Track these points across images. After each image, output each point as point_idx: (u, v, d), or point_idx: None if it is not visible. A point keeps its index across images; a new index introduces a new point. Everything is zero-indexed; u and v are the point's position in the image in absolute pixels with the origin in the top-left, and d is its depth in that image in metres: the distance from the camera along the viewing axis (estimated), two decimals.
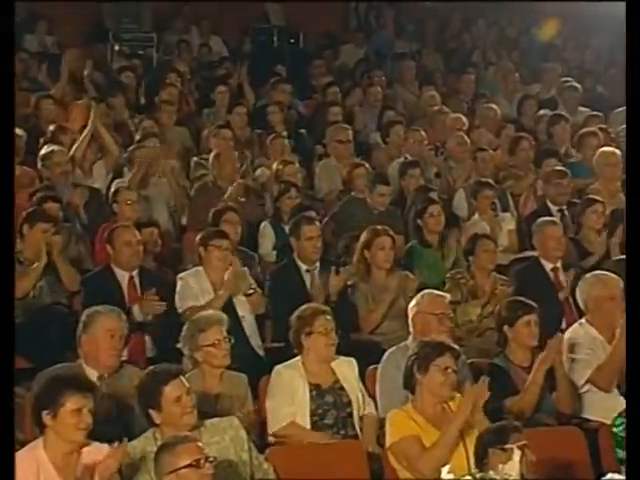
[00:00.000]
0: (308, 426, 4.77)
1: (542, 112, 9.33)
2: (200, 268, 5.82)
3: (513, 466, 3.83)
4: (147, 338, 5.68)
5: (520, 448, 3.88)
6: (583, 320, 5.32)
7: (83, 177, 7.41)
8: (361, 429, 4.84)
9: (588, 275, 5.44)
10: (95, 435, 3.93)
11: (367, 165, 7.76)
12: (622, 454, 4.47)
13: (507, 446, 3.88)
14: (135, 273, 5.84)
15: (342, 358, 4.94)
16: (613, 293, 5.24)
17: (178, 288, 5.73)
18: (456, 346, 4.59)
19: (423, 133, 8.35)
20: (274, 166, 7.53)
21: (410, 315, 5.19)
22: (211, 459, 3.72)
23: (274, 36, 11.35)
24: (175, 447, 3.71)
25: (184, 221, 7.37)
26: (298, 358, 4.90)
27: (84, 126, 7.62)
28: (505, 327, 5.08)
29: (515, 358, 5.04)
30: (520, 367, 5.02)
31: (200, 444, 3.79)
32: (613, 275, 5.39)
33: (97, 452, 3.84)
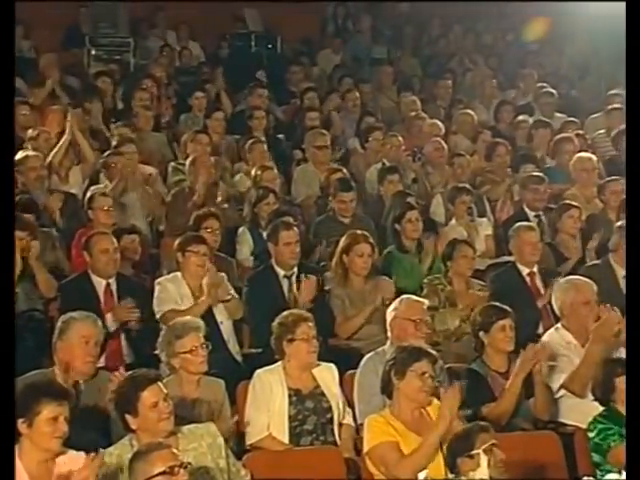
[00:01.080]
0: (287, 432, 4.76)
1: (520, 118, 9.38)
2: (178, 273, 5.81)
3: (482, 471, 3.86)
4: (125, 344, 5.64)
5: (487, 449, 3.89)
6: (559, 325, 5.35)
7: (59, 183, 7.36)
8: (339, 435, 4.84)
9: (562, 280, 5.48)
10: (71, 443, 3.90)
11: (345, 170, 7.78)
12: (597, 458, 4.50)
13: (474, 452, 3.89)
14: (112, 280, 5.80)
15: (323, 364, 4.94)
16: (587, 298, 5.28)
17: (156, 293, 5.72)
18: (433, 351, 4.60)
19: (401, 138, 8.37)
20: (253, 172, 7.53)
21: (388, 320, 5.21)
22: (186, 466, 3.70)
23: (252, 41, 11.34)
24: (149, 454, 3.69)
25: (161, 226, 7.34)
26: (279, 363, 4.90)
27: (60, 132, 7.57)
28: (481, 333, 5.09)
29: (492, 363, 5.06)
30: (497, 372, 5.04)
31: (175, 451, 3.77)
32: (587, 280, 5.43)
33: (73, 461, 3.80)
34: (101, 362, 5.06)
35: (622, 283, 6.06)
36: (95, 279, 5.79)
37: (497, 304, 5.19)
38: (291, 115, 9.87)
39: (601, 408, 4.69)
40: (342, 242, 6.07)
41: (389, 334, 5.18)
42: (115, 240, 5.88)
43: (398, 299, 5.29)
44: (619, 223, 6.32)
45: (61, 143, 7.40)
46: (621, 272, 6.08)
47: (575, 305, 5.27)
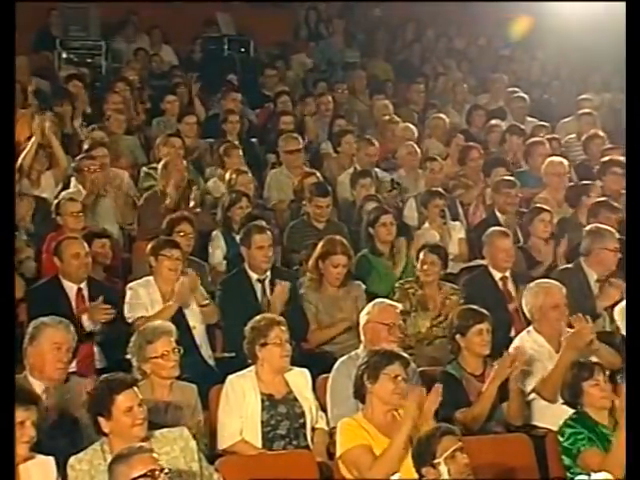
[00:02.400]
0: (259, 436, 4.75)
1: (492, 122, 9.44)
2: (150, 278, 5.78)
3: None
4: (96, 349, 5.60)
5: (449, 456, 3.89)
6: (530, 328, 5.38)
7: (30, 187, 7.30)
8: (312, 439, 4.83)
9: (531, 284, 5.50)
10: (41, 448, 3.87)
11: (319, 174, 7.78)
12: (568, 461, 4.54)
13: (436, 461, 3.90)
14: (83, 285, 5.76)
15: (296, 369, 4.94)
16: (556, 301, 5.31)
17: (127, 298, 5.68)
18: (406, 355, 4.61)
19: (375, 142, 8.38)
20: (227, 175, 7.51)
21: (361, 324, 5.21)
22: (166, 470, 3.68)
23: (224, 45, 11.32)
24: (130, 458, 3.67)
25: (133, 231, 7.30)
26: (252, 368, 4.89)
27: (30, 136, 7.51)
28: (457, 336, 5.10)
29: (467, 366, 5.08)
30: (472, 375, 5.06)
31: (155, 455, 3.75)
32: (556, 283, 5.46)
33: (41, 466, 3.77)
34: (72, 367, 5.01)
35: (594, 286, 6.10)
36: (66, 284, 5.75)
37: (475, 307, 5.21)
38: (264, 119, 9.86)
39: (571, 410, 4.72)
40: (319, 248, 6.05)
41: (362, 338, 5.18)
42: (86, 245, 5.84)
43: (371, 303, 5.30)
44: (589, 227, 6.36)
45: (29, 146, 7.34)
46: (593, 276, 6.12)
47: (545, 309, 5.30)
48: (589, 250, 6.13)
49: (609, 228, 6.22)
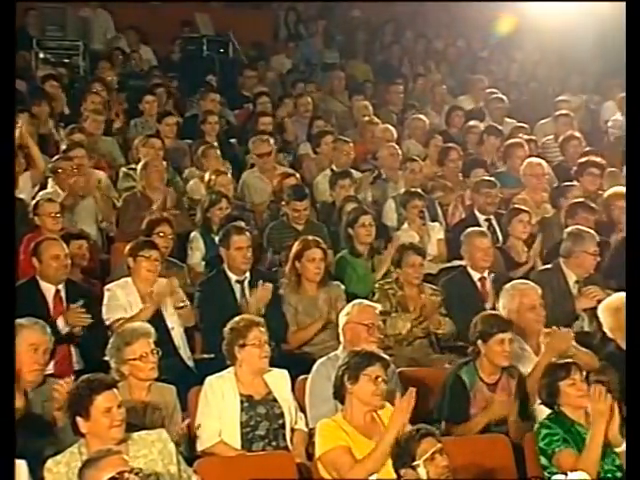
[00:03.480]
0: (239, 437, 4.74)
1: (471, 123, 9.47)
2: (129, 279, 5.76)
3: None
4: (74, 351, 5.57)
5: (428, 458, 3.88)
6: None
7: None
8: (291, 440, 4.83)
9: (507, 286, 5.50)
10: (17, 451, 3.83)
11: (298, 176, 7.77)
12: (544, 461, 4.56)
13: (415, 463, 3.89)
14: (61, 286, 5.72)
15: (275, 370, 4.93)
16: (532, 303, 5.33)
17: (105, 300, 5.66)
18: (386, 356, 4.60)
19: (351, 144, 8.38)
20: (206, 176, 7.48)
21: (340, 325, 5.21)
22: (137, 471, 3.66)
23: (203, 45, 11.30)
24: (98, 461, 3.66)
25: (111, 232, 7.26)
26: (231, 369, 4.87)
27: None
28: (479, 341, 4.96)
29: (483, 372, 4.98)
30: (485, 383, 4.97)
31: (125, 457, 3.74)
32: (532, 284, 5.48)
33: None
34: (50, 369, 4.98)
35: (573, 288, 6.12)
36: (44, 285, 5.70)
37: (500, 315, 5.08)
38: (244, 119, 9.85)
39: (548, 411, 4.74)
40: (294, 248, 6.06)
41: (342, 339, 5.18)
42: (65, 246, 5.80)
43: (351, 303, 5.29)
44: (569, 229, 6.38)
45: None
46: (572, 277, 6.14)
47: (522, 311, 5.31)
48: (569, 252, 6.15)
49: (590, 231, 6.24)
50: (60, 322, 5.47)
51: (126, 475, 3.63)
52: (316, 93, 10.28)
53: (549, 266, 6.31)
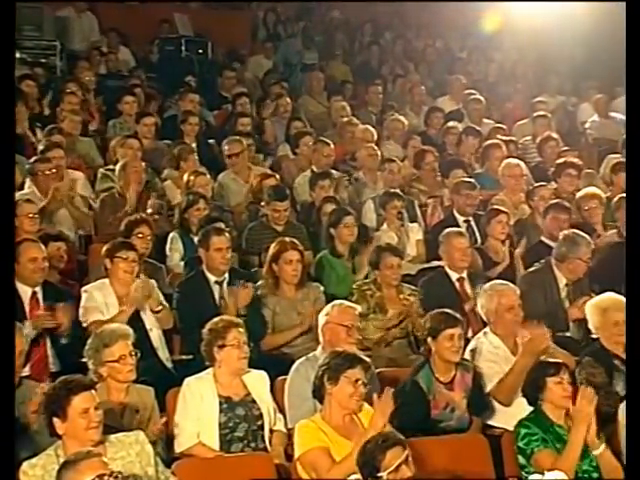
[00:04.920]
0: (217, 439, 4.73)
1: (450, 124, 9.49)
2: (106, 280, 5.73)
3: None
4: (50, 352, 5.52)
5: (393, 471, 3.86)
6: (487, 329, 5.41)
7: None
8: (270, 442, 4.82)
9: (486, 286, 5.52)
10: None
11: (277, 176, 7.76)
12: (522, 460, 4.58)
13: (379, 475, 3.86)
14: (38, 288, 5.68)
15: (254, 371, 4.92)
16: (510, 303, 5.34)
17: (82, 301, 5.63)
18: (367, 359, 4.60)
19: (331, 145, 8.38)
20: (185, 177, 7.46)
21: (320, 325, 5.20)
22: (116, 475, 3.64)
23: (182, 46, 11.27)
24: (77, 463, 3.63)
25: (89, 233, 7.22)
26: (209, 370, 4.86)
27: None
28: (429, 339, 5.02)
29: (438, 372, 5.01)
30: (442, 383, 4.99)
31: (104, 459, 3.72)
32: (509, 285, 5.49)
33: None
34: (26, 371, 4.94)
35: (562, 290, 6.14)
36: (21, 287, 5.65)
37: (449, 311, 5.11)
38: (223, 120, 9.83)
39: (527, 411, 4.75)
40: (271, 250, 6.04)
41: (321, 339, 5.18)
42: (44, 248, 5.76)
43: (330, 304, 5.29)
44: (565, 232, 6.36)
45: None
46: (563, 280, 6.15)
47: (500, 312, 5.33)
48: (564, 257, 6.13)
49: (585, 236, 6.24)
50: (25, 327, 5.35)
51: (105, 478, 3.60)
52: (295, 94, 10.28)
53: (539, 267, 6.28)
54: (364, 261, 6.54)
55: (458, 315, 5.09)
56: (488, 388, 5.14)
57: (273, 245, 6.07)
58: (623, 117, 10.53)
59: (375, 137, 8.88)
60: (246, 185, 7.81)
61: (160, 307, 5.73)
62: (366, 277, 6.44)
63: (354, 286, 6.13)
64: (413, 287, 6.21)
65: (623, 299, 5.30)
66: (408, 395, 4.85)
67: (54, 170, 7.10)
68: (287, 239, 6.11)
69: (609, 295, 5.37)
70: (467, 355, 5.23)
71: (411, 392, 4.90)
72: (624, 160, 8.23)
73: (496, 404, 5.16)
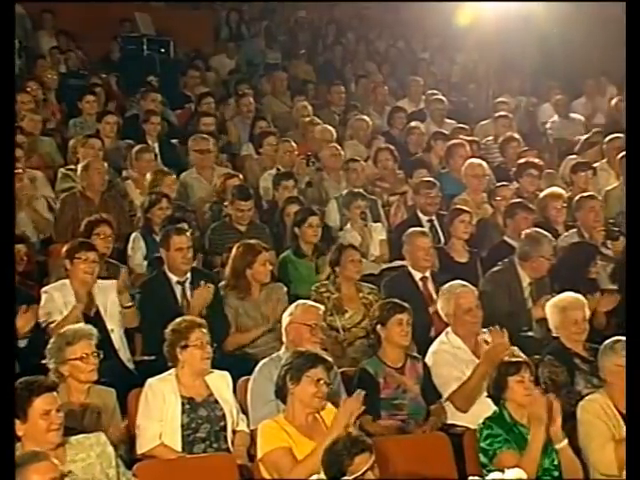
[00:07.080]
0: (179, 440, 4.70)
1: (412, 124, 9.53)
2: (66, 281, 5.67)
3: None
4: None
5: (362, 474, 3.84)
6: (448, 329, 5.44)
7: None
8: (233, 442, 4.80)
9: (444, 288, 5.55)
10: None
11: (241, 176, 7.73)
12: (484, 459, 4.61)
13: (344, 478, 3.84)
14: None
15: (216, 372, 4.90)
16: (469, 305, 5.38)
17: (42, 302, 5.56)
18: (330, 358, 4.60)
19: (294, 144, 8.37)
20: (148, 176, 7.40)
21: (283, 325, 5.20)
22: (68, 478, 3.59)
23: (144, 45, 11.19)
24: (25, 467, 3.56)
25: (49, 233, 7.14)
26: (172, 371, 4.84)
27: None
28: (378, 327, 5.17)
29: (387, 359, 5.13)
30: (393, 368, 5.11)
31: (55, 461, 3.66)
32: (469, 286, 5.52)
33: None
34: None
35: (525, 290, 6.17)
36: None
37: (396, 300, 5.26)
38: (185, 120, 9.78)
39: (489, 411, 4.78)
40: (236, 252, 5.99)
41: (284, 339, 5.17)
42: None
43: (294, 304, 5.28)
44: (528, 231, 6.40)
45: None
46: (527, 279, 6.19)
47: (459, 313, 5.37)
48: (527, 256, 6.17)
49: (547, 234, 6.29)
50: None
51: None
52: (258, 93, 10.25)
53: (502, 266, 6.30)
54: (327, 261, 6.53)
55: (404, 303, 5.20)
56: (446, 394, 5.19)
57: (238, 248, 5.98)
58: (582, 118, 10.69)
59: (335, 137, 8.88)
60: (209, 185, 7.77)
61: (131, 303, 5.71)
62: (327, 278, 6.45)
63: (312, 288, 6.10)
64: (372, 286, 6.19)
65: (582, 298, 5.37)
66: (357, 381, 4.95)
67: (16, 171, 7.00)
68: (253, 242, 6.05)
69: (568, 294, 5.42)
70: (428, 358, 5.29)
71: (359, 378, 5.00)
72: (583, 161, 8.35)
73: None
